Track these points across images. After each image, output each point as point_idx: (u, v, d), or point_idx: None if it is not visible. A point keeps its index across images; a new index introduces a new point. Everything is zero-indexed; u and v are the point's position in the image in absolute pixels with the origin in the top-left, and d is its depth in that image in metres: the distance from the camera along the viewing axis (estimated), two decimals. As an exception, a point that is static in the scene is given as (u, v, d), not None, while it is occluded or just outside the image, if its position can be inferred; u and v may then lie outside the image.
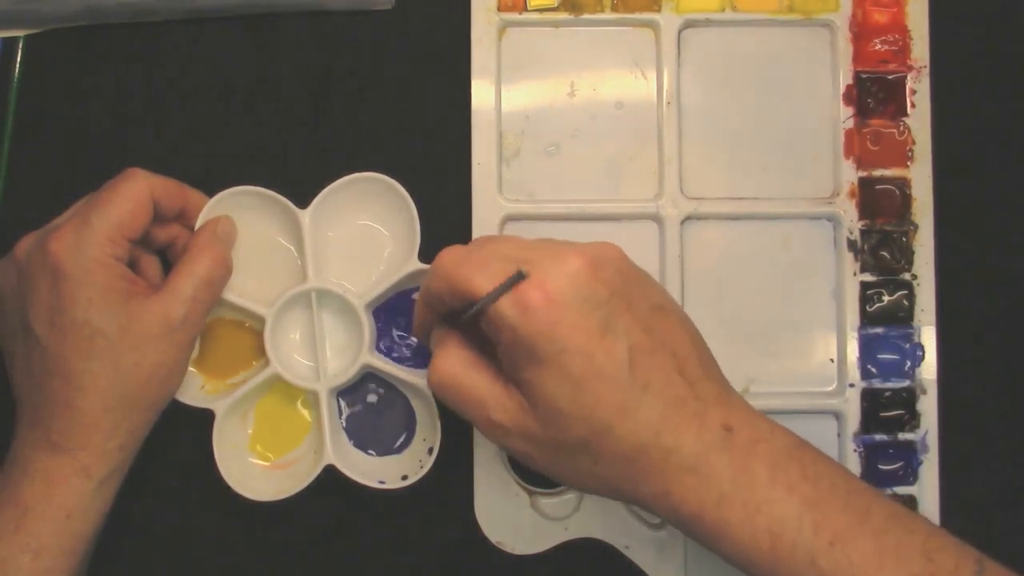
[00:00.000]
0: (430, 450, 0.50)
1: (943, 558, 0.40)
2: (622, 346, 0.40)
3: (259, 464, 0.51)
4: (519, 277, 0.37)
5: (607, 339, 0.40)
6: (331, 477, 0.50)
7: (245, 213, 0.50)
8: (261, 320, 0.50)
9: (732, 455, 0.40)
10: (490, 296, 0.39)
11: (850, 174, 0.52)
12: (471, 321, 0.42)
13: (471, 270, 0.40)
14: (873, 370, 0.52)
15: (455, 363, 0.42)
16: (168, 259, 0.51)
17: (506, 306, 0.39)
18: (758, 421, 0.42)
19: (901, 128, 0.53)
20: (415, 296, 0.48)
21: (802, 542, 0.40)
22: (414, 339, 0.51)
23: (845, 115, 0.53)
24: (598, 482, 0.42)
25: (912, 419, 0.52)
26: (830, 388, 0.52)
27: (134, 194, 0.47)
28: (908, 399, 0.52)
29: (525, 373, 0.40)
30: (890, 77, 0.53)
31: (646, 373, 0.40)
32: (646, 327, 0.41)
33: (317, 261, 0.50)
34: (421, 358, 0.51)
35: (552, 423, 0.40)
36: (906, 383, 0.52)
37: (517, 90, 0.53)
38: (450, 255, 0.41)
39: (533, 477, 0.51)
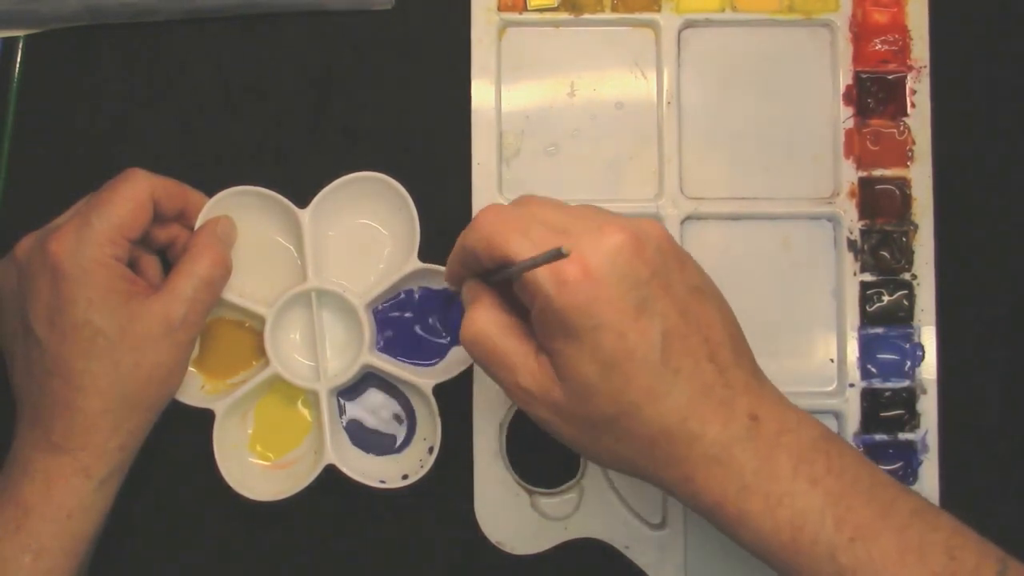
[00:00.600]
0: (430, 450, 0.50)
1: (965, 556, 0.39)
2: (656, 328, 0.39)
3: (259, 464, 0.51)
4: (558, 254, 0.36)
5: (642, 320, 0.39)
6: (331, 477, 0.50)
7: (245, 213, 0.50)
8: (261, 320, 0.50)
9: (757, 445, 0.40)
10: (525, 263, 0.38)
11: (850, 174, 0.52)
12: (504, 281, 0.41)
13: (509, 232, 0.40)
14: (873, 370, 0.52)
15: (489, 324, 0.41)
16: (168, 259, 0.51)
17: (543, 275, 0.38)
18: (786, 411, 0.42)
19: (901, 128, 0.53)
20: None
21: (823, 536, 0.39)
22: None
23: (845, 115, 0.53)
24: (619, 460, 0.42)
25: (912, 419, 0.52)
26: (830, 388, 0.52)
27: (134, 194, 0.47)
28: (908, 399, 0.52)
29: (556, 343, 0.39)
30: (890, 77, 0.53)
31: (678, 357, 0.40)
32: (682, 310, 0.40)
33: (317, 261, 0.50)
34: (422, 357, 0.51)
35: (579, 397, 0.40)
36: (906, 383, 0.52)
37: (517, 90, 0.53)
38: (491, 214, 0.41)
39: (533, 477, 0.51)
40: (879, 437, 0.52)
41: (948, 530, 0.40)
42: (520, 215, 0.41)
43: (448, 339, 0.52)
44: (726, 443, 0.40)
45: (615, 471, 0.43)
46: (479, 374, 0.51)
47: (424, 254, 0.50)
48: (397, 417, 0.52)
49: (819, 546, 0.39)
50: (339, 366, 0.51)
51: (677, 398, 0.40)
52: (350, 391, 0.52)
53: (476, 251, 0.41)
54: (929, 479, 0.52)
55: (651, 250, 0.40)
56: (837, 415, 0.52)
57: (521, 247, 0.39)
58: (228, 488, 0.49)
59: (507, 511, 0.51)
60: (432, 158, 0.53)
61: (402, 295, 0.52)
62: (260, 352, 0.51)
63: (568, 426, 0.41)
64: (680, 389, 0.40)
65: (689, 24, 0.53)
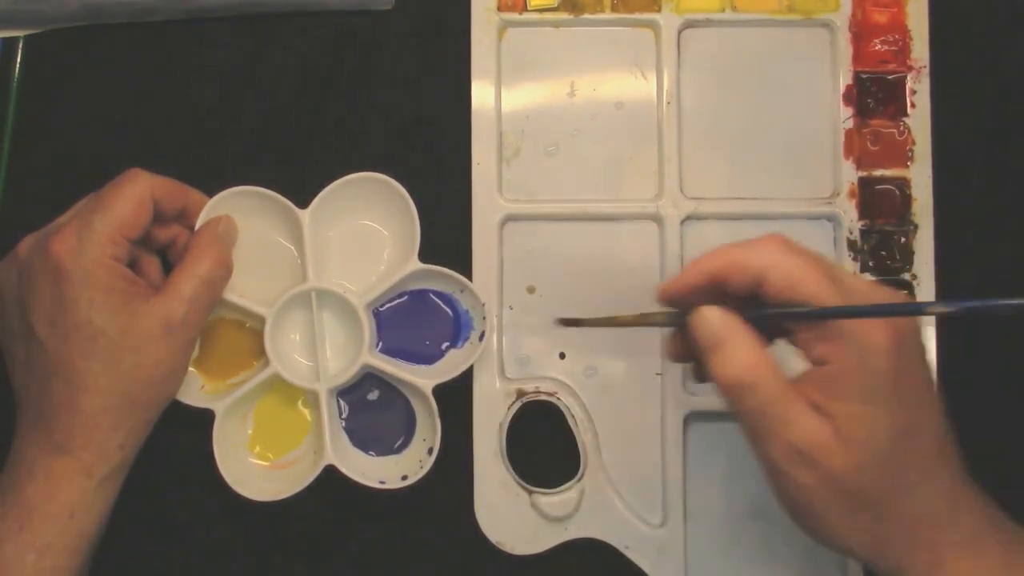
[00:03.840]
0: (430, 450, 0.50)
1: None
2: (939, 406, 0.40)
3: (259, 464, 0.51)
4: (919, 309, 0.35)
5: (930, 396, 0.39)
6: (331, 477, 0.49)
7: (245, 213, 0.50)
8: (261, 320, 0.50)
9: (1000, 539, 0.40)
10: (862, 308, 0.37)
11: (850, 174, 0.52)
12: (770, 321, 0.38)
13: (819, 276, 0.38)
14: (873, 370, 0.52)
15: (766, 368, 0.38)
16: (168, 259, 0.51)
17: (878, 329, 0.37)
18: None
19: (901, 128, 0.53)
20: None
21: None
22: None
23: (845, 115, 0.53)
24: (870, 541, 0.39)
25: (912, 419, 0.52)
26: (830, 388, 0.52)
27: (135, 195, 0.47)
28: (908, 399, 0.52)
29: (853, 405, 0.37)
30: (890, 77, 0.53)
31: (948, 447, 0.40)
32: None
33: (317, 261, 0.50)
34: (422, 358, 0.51)
35: (862, 466, 0.38)
36: (906, 383, 0.52)
37: (517, 90, 0.53)
38: (786, 246, 0.39)
39: (533, 477, 0.51)
40: (879, 437, 0.52)
41: None
42: (820, 260, 0.39)
43: (449, 340, 0.52)
44: (977, 533, 0.40)
45: (852, 556, 0.41)
46: (479, 374, 0.51)
47: (424, 254, 0.50)
48: (397, 417, 0.52)
49: None
50: (339, 366, 0.51)
51: (947, 480, 0.40)
52: (350, 391, 0.52)
53: (769, 278, 0.38)
54: (929, 479, 0.52)
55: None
56: (837, 415, 0.52)
57: (831, 293, 0.37)
58: (228, 488, 0.49)
59: (507, 511, 0.51)
60: (432, 158, 0.53)
61: (402, 295, 0.52)
62: (260, 352, 0.51)
63: (832, 498, 0.38)
64: (951, 471, 0.40)
65: (689, 24, 0.53)
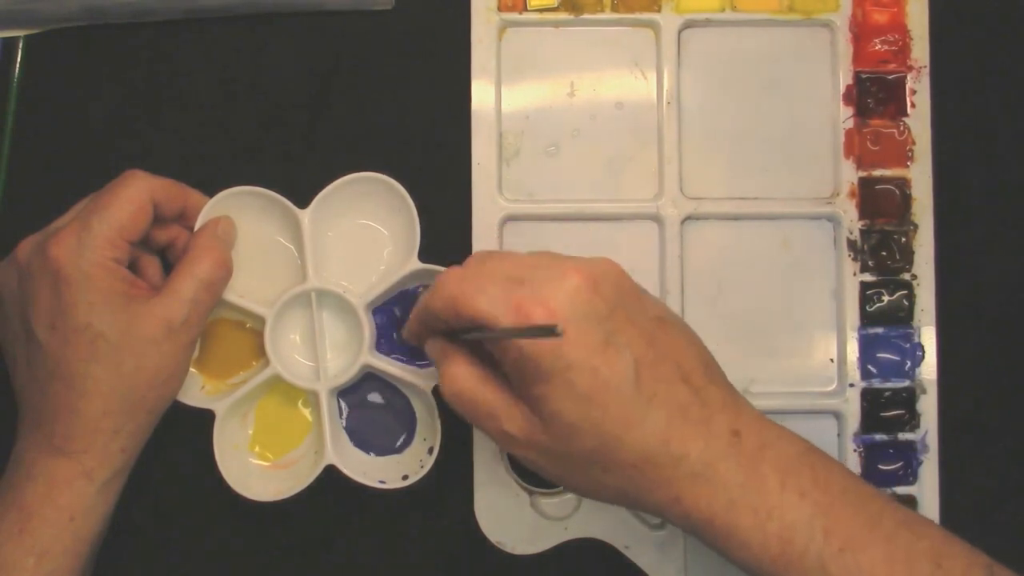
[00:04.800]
0: (430, 450, 0.50)
1: (952, 564, 0.40)
2: (625, 358, 0.40)
3: (259, 464, 0.51)
4: (551, 332, 0.37)
5: (610, 353, 0.40)
6: (331, 477, 0.50)
7: (245, 213, 0.50)
8: (261, 320, 0.50)
9: (740, 460, 0.41)
10: (509, 331, 0.40)
11: (850, 174, 0.52)
12: (474, 340, 0.42)
13: (472, 293, 0.41)
14: (873, 370, 0.52)
15: (468, 378, 0.42)
16: (168, 259, 0.51)
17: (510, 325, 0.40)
18: (766, 426, 0.42)
19: (901, 128, 0.53)
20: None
21: (813, 548, 0.40)
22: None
23: (845, 115, 0.53)
24: (608, 491, 0.42)
25: (912, 419, 0.52)
26: (830, 388, 0.52)
27: (134, 197, 0.47)
28: (908, 399, 0.52)
29: (534, 389, 0.41)
30: (890, 77, 0.53)
31: (651, 384, 0.41)
32: (648, 339, 0.41)
33: (317, 261, 0.50)
34: (422, 358, 0.51)
35: (561, 436, 0.41)
36: (906, 383, 0.52)
37: (517, 90, 0.53)
38: (451, 277, 0.42)
39: (533, 477, 0.51)
40: (879, 437, 0.52)
41: (935, 539, 0.41)
42: (479, 273, 0.42)
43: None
44: (709, 460, 0.41)
45: (606, 503, 0.44)
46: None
47: (424, 254, 0.50)
48: (397, 417, 0.52)
49: (808, 558, 0.40)
50: (339, 366, 0.51)
51: (655, 422, 0.41)
52: (350, 391, 0.52)
53: (442, 313, 0.42)
54: (929, 479, 0.52)
55: (608, 286, 0.41)
56: (837, 415, 0.52)
57: (486, 305, 0.40)
58: (228, 488, 0.49)
59: (507, 511, 0.51)
60: (432, 158, 0.53)
61: (403, 295, 0.52)
62: (260, 352, 0.51)
63: (555, 465, 0.42)
64: (657, 413, 0.41)
65: (689, 24, 0.53)
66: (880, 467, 0.52)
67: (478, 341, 0.43)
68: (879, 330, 0.52)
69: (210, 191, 0.50)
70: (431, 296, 0.43)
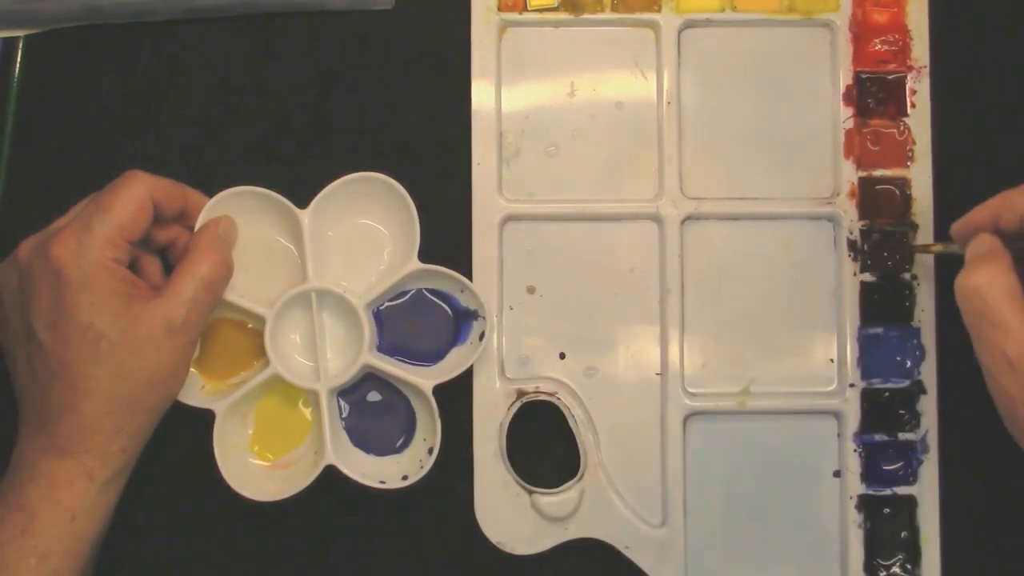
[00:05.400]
0: (430, 450, 0.50)
1: None
2: None
3: (259, 464, 0.51)
4: None
5: None
6: (331, 477, 0.50)
7: (245, 213, 0.50)
8: (261, 320, 0.50)
9: None
10: None
11: (850, 174, 0.52)
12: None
13: None
14: (873, 370, 0.52)
15: (997, 281, 0.43)
16: (168, 260, 0.51)
17: None
18: None
19: (901, 128, 0.53)
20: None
21: None
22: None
23: (845, 115, 0.53)
24: None
25: (912, 419, 0.52)
26: (830, 388, 0.52)
27: (134, 197, 0.47)
28: (908, 399, 0.52)
29: None
30: (890, 77, 0.53)
31: None
32: None
33: (317, 261, 0.50)
34: (422, 358, 0.51)
35: None
36: (906, 383, 0.52)
37: (517, 90, 0.53)
38: None
39: (533, 477, 0.51)
40: (879, 437, 0.52)
41: None
42: None
43: (449, 340, 0.52)
44: None
45: None
46: (479, 374, 0.51)
47: (424, 254, 0.50)
48: (397, 417, 0.52)
49: None
50: (339, 366, 0.51)
51: None
52: (350, 391, 0.52)
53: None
54: (929, 479, 0.52)
55: None
56: (837, 415, 0.52)
57: None
58: (228, 488, 0.49)
59: (507, 511, 0.51)
60: (432, 158, 0.53)
61: (402, 295, 0.52)
62: (260, 352, 0.51)
63: None
64: None
65: (689, 24, 0.53)
66: (880, 467, 0.52)
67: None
68: (879, 330, 0.52)
69: (210, 191, 0.50)
70: (1021, 193, 0.44)
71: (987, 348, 0.43)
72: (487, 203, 0.52)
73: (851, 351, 0.52)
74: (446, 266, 0.50)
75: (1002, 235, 0.45)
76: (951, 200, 0.53)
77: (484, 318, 0.50)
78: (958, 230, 0.48)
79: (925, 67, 0.53)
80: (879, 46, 0.53)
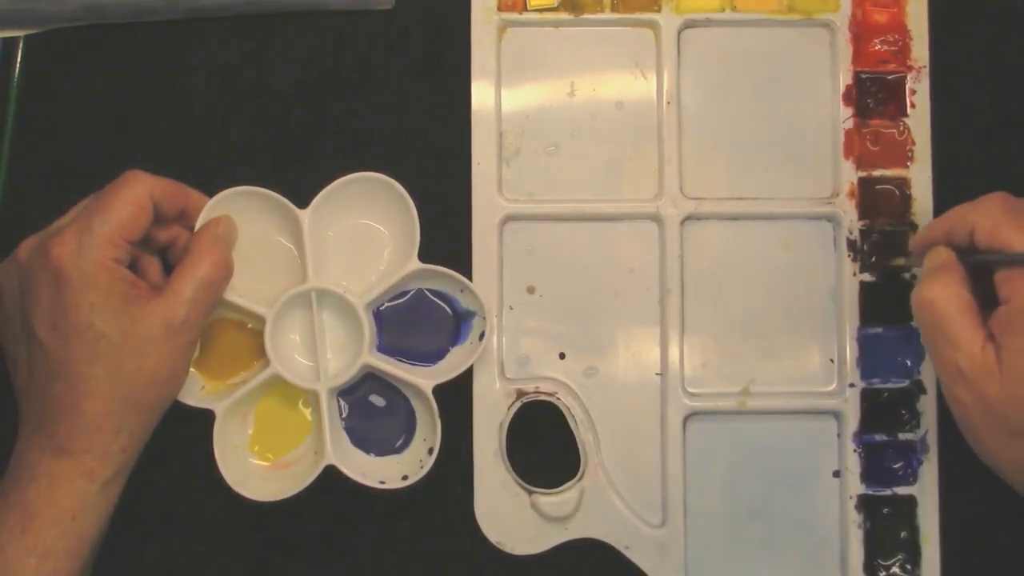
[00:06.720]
0: (430, 450, 0.50)
1: None
2: None
3: (259, 464, 0.51)
4: None
5: None
6: (331, 477, 0.50)
7: (245, 213, 0.50)
8: (261, 320, 0.50)
9: None
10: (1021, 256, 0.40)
11: (850, 174, 0.52)
12: (977, 265, 0.43)
13: (1019, 225, 0.42)
14: (873, 370, 0.52)
15: (950, 294, 0.43)
16: (168, 260, 0.51)
17: None
18: None
19: (901, 128, 0.53)
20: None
21: None
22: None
23: (845, 115, 0.53)
24: (1019, 464, 0.43)
25: (912, 419, 0.52)
26: (830, 388, 0.52)
27: (134, 197, 0.47)
28: (908, 399, 0.52)
29: (1019, 339, 0.41)
30: (890, 77, 0.53)
31: None
32: None
33: (317, 261, 0.50)
34: (421, 358, 0.51)
35: (1014, 397, 0.41)
36: (906, 383, 0.52)
37: (517, 90, 0.53)
38: (1005, 202, 0.43)
39: (533, 477, 0.51)
40: (879, 437, 0.52)
41: None
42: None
43: (449, 340, 0.52)
44: None
45: (1003, 477, 0.44)
46: (479, 374, 0.51)
47: (424, 254, 0.50)
48: (397, 417, 0.52)
49: None
50: (339, 366, 0.51)
51: None
52: (350, 391, 0.52)
53: (978, 228, 0.43)
54: (929, 479, 0.52)
55: None
56: (837, 415, 0.52)
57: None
58: (228, 488, 0.49)
59: (507, 511, 0.51)
60: (432, 158, 0.53)
61: (402, 295, 0.52)
62: (260, 352, 0.51)
63: (986, 421, 0.43)
64: None
65: (689, 24, 0.53)
66: (880, 467, 0.52)
67: (980, 268, 0.43)
68: (879, 330, 0.52)
69: (210, 191, 0.50)
70: (972, 209, 0.44)
71: (940, 359, 0.44)
72: (487, 203, 0.52)
73: (851, 351, 0.52)
74: (446, 266, 0.50)
75: (956, 249, 0.45)
76: (951, 200, 0.53)
77: (484, 318, 0.50)
78: (915, 244, 0.49)
79: (925, 67, 0.53)
80: (879, 46, 0.53)
